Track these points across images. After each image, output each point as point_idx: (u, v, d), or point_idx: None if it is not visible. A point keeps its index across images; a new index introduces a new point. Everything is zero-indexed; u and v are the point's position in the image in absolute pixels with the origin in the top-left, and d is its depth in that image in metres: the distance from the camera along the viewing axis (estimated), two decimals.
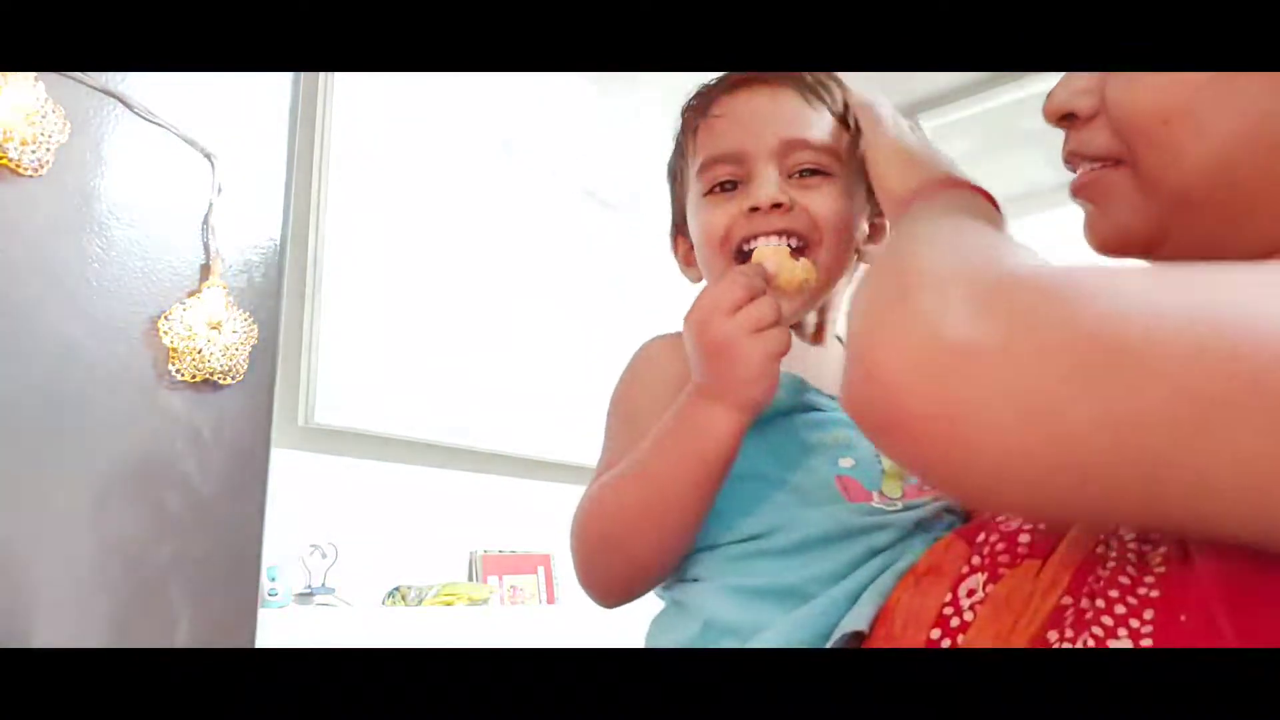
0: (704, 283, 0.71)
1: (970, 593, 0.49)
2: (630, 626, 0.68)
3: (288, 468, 1.76)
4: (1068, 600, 0.44)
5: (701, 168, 0.71)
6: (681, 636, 0.62)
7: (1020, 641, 0.44)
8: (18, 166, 0.99)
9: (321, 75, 2.06)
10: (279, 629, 1.66)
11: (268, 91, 1.24)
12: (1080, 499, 0.35)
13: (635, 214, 2.82)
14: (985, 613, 0.47)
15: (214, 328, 1.10)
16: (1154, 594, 0.40)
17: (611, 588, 0.64)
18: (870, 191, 0.71)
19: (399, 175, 2.17)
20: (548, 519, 2.51)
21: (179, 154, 1.13)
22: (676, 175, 0.78)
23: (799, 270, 0.63)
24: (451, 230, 2.26)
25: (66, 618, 0.97)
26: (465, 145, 2.35)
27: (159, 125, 1.11)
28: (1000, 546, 0.50)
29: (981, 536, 0.52)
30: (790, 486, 0.64)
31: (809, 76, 0.72)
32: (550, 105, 2.62)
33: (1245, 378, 0.31)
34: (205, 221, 1.14)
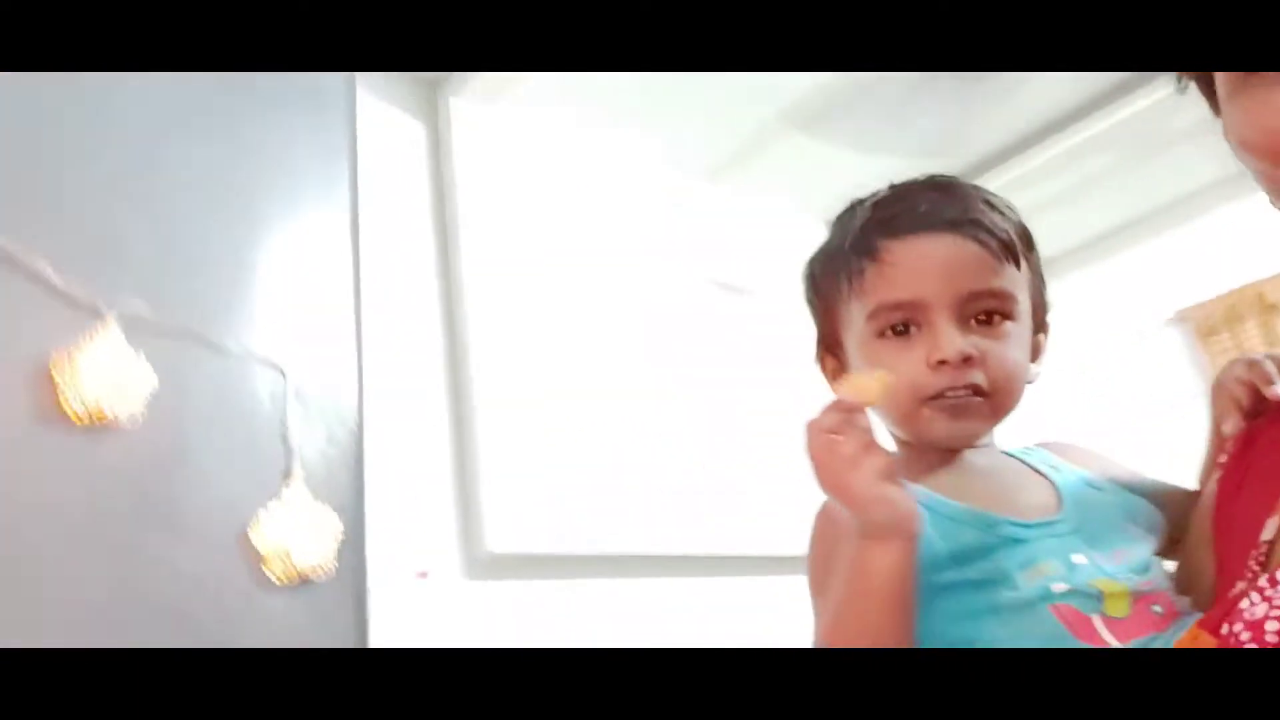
0: None
1: None
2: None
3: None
4: None
5: (873, 313, 0.74)
6: None
7: None
8: (116, 421, 1.13)
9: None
10: None
11: (331, 299, 1.35)
12: None
13: (770, 300, 2.78)
14: None
15: (299, 527, 1.18)
16: None
17: None
18: (1035, 313, 0.76)
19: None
20: (750, 616, 2.41)
21: (254, 372, 1.25)
22: (828, 299, 0.80)
23: (873, 383, 0.65)
24: (587, 337, 2.32)
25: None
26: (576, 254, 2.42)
27: (234, 355, 1.24)
28: (1246, 636, 0.52)
29: (1226, 628, 0.54)
30: (1003, 622, 0.67)
31: (983, 218, 0.73)
32: (670, 198, 2.68)
33: None
34: (283, 426, 1.24)
